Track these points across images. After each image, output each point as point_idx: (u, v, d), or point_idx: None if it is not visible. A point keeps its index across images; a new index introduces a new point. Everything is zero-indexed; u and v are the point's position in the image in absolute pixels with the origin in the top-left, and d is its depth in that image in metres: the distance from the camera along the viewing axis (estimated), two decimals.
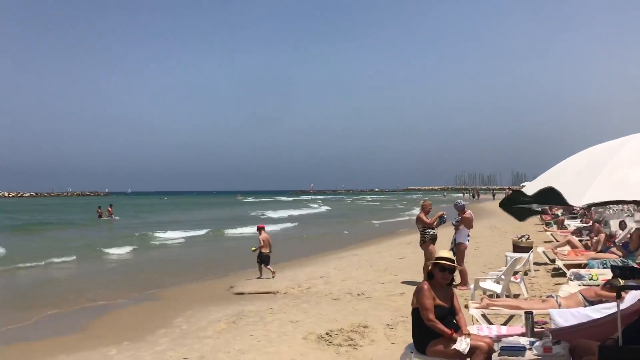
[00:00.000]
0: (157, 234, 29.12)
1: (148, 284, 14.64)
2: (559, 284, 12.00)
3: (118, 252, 21.98)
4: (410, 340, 8.11)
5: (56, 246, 23.15)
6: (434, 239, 12.63)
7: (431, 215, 12.64)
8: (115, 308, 11.89)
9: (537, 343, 5.23)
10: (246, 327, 9.20)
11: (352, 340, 8.05)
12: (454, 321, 5.65)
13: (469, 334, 5.45)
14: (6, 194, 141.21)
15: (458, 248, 12.25)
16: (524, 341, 5.38)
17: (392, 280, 13.28)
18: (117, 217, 47.81)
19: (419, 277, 13.11)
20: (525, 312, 5.71)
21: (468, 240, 12.53)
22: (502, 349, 5.22)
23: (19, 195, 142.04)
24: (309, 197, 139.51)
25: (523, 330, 6.39)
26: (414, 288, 12.43)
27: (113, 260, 20.33)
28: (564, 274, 12.58)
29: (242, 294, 12.68)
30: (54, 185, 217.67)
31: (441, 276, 5.70)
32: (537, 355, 5.10)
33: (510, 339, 5.41)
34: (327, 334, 8.30)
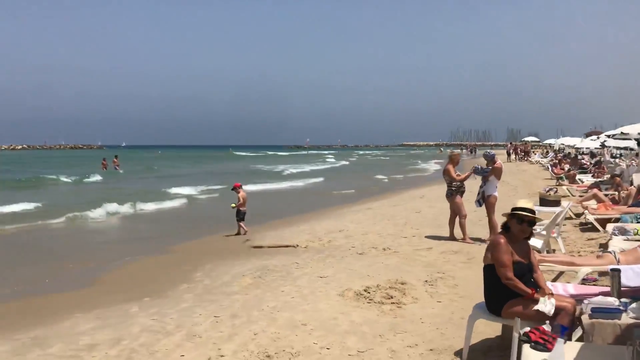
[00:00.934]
0: (174, 190, 26.46)
1: (164, 239, 13.93)
2: (592, 239, 11.50)
3: (141, 207, 20.38)
4: (455, 298, 7.69)
5: (77, 201, 21.78)
6: (461, 191, 12.01)
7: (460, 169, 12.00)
8: (127, 262, 11.27)
9: (634, 305, 4.63)
10: (274, 282, 8.60)
11: (392, 297, 7.47)
12: (532, 279, 5.03)
13: (551, 294, 4.84)
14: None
15: (488, 200, 11.62)
16: (613, 302, 4.77)
17: (415, 234, 12.70)
18: (121, 170, 45.47)
19: (441, 231, 12.60)
20: (611, 269, 5.07)
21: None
22: (594, 310, 4.60)
23: (12, 147, 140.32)
24: (305, 152, 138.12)
25: (596, 289, 5.81)
26: (440, 242, 12.19)
27: (136, 216, 19.08)
28: (594, 229, 12.07)
29: (260, 247, 12.07)
30: (46, 138, 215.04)
31: (519, 229, 5.04)
32: (636, 318, 4.51)
33: (598, 299, 4.79)
34: (365, 290, 7.71)
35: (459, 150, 12.66)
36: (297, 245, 11.83)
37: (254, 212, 15.25)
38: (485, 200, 11.65)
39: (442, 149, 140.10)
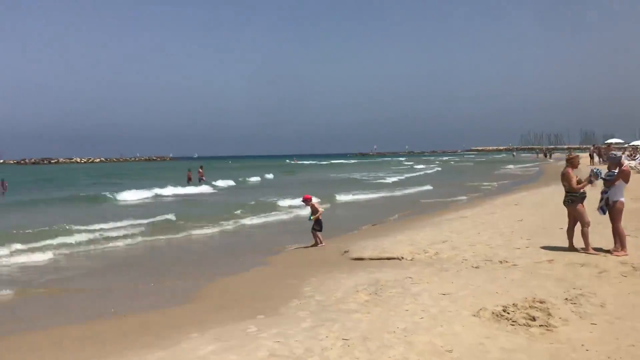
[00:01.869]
0: (275, 200, 25.32)
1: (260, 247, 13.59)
2: None
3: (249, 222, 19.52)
4: (611, 320, 6.74)
5: (201, 212, 21.49)
6: (583, 197, 10.94)
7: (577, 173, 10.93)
8: (226, 275, 10.92)
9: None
10: (392, 299, 7.92)
11: (536, 318, 6.63)
12: None
13: None
14: (78, 160, 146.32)
15: (614, 206, 10.49)
16: None
17: (528, 245, 11.68)
18: (205, 181, 42.82)
19: (555, 240, 11.57)
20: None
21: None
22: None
23: (90, 160, 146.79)
24: (371, 160, 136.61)
25: None
26: (559, 254, 11.07)
27: (240, 228, 18.41)
28: None
29: (360, 259, 11.44)
30: (122, 151, 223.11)
31: None
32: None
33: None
34: (504, 310, 6.90)
35: (576, 154, 11.44)
36: (402, 258, 11.11)
37: (338, 222, 14.70)
38: (611, 206, 10.54)
39: (514, 153, 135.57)
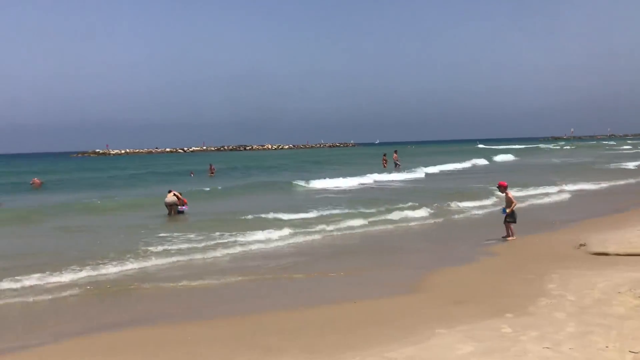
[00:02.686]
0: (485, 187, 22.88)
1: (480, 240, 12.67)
2: None
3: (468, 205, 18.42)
4: None
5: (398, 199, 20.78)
6: None
7: None
8: (443, 264, 10.27)
9: None
10: None
11: None
12: None
13: None
14: (269, 146, 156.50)
15: None
16: None
17: None
18: (400, 166, 40.66)
19: None
20: None
21: None
22: None
23: (280, 147, 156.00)
24: (564, 142, 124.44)
25: None
26: None
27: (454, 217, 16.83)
28: None
29: (604, 254, 10.01)
30: (308, 138, 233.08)
31: None
32: None
33: None
34: None
35: None
36: None
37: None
38: None
39: None
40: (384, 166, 41.65)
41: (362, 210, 17.60)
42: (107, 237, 14.36)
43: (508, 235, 12.46)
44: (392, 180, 32.26)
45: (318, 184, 29.35)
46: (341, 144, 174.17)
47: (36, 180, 36.09)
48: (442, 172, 38.70)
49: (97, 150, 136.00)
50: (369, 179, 32.15)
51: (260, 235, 13.57)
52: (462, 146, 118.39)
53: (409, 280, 9.22)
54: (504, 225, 12.58)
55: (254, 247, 12.58)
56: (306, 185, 29.05)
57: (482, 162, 50.33)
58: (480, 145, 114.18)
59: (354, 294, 8.47)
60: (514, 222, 12.49)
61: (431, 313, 7.13)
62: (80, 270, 10.28)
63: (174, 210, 18.96)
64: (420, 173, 36.37)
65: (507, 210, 12.49)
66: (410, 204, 18.12)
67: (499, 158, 56.39)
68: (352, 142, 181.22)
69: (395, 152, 43.89)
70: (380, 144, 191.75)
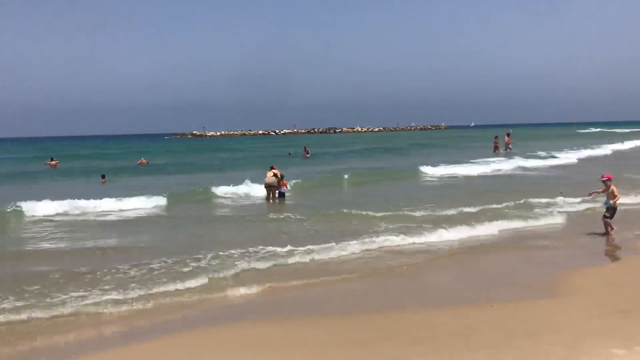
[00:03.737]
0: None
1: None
2: None
3: None
4: None
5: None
6: None
7: None
8: (575, 263, 9.17)
9: None
10: None
11: None
12: None
13: None
14: (359, 129, 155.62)
15: None
16: None
17: None
18: (512, 149, 39.11)
19: None
20: None
21: None
22: None
23: (370, 129, 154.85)
24: None
25: None
26: None
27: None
28: None
29: None
30: (399, 121, 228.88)
31: None
32: None
33: None
34: None
35: None
36: None
37: None
38: None
39: None
40: (495, 150, 38.76)
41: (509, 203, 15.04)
42: None
43: (607, 232, 11.20)
44: (536, 167, 28.73)
45: (442, 170, 26.57)
46: (433, 126, 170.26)
47: (144, 160, 37.98)
48: (589, 158, 34.87)
49: (195, 132, 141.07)
50: (500, 164, 29.14)
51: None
52: (561, 130, 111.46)
53: (542, 280, 8.30)
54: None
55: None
56: (432, 171, 26.23)
57: (619, 147, 44.96)
58: (593, 129, 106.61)
59: (486, 293, 7.70)
60: (611, 217, 11.28)
61: (593, 325, 6.18)
62: None
63: (273, 192, 18.07)
64: (571, 158, 33.18)
65: (611, 203, 11.20)
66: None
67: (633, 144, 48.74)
68: (443, 124, 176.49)
69: (508, 134, 41.24)
70: (476, 126, 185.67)
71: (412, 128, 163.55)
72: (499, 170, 27.29)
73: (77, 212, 15.93)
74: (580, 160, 32.83)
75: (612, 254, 10.27)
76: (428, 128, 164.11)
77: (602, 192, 11.59)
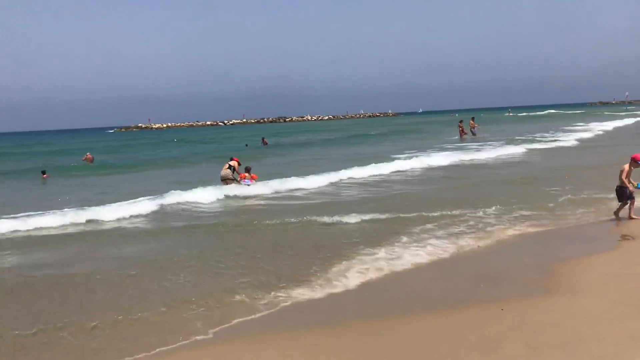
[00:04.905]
0: None
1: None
2: None
3: None
4: None
5: None
6: None
7: None
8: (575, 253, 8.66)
9: None
10: None
11: None
12: None
13: None
14: (309, 118, 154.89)
15: None
16: None
17: None
18: (480, 134, 38.76)
19: None
20: None
21: None
22: None
23: (319, 118, 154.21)
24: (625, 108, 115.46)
25: None
26: None
27: None
28: None
29: None
30: (348, 108, 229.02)
31: None
32: None
33: None
34: None
35: None
36: None
37: None
38: None
39: None
40: (461, 135, 38.45)
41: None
42: None
43: (631, 214, 10.72)
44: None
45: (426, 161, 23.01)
46: (381, 113, 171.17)
47: (89, 155, 35.63)
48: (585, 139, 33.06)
49: (140, 124, 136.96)
50: (487, 153, 26.00)
51: None
52: (496, 114, 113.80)
53: (536, 273, 7.67)
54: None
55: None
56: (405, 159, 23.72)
57: (600, 127, 43.96)
58: (552, 111, 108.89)
59: (483, 293, 7.03)
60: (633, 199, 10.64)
61: (629, 329, 5.53)
62: None
63: (228, 185, 17.23)
64: (568, 140, 31.42)
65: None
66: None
67: (616, 123, 48.15)
68: (390, 111, 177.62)
69: (472, 119, 41.27)
70: (424, 112, 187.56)
71: (361, 115, 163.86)
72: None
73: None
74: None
75: (602, 240, 9.77)
76: (376, 115, 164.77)
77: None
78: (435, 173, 20.14)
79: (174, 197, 15.31)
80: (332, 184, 18.20)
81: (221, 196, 16.04)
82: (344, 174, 19.45)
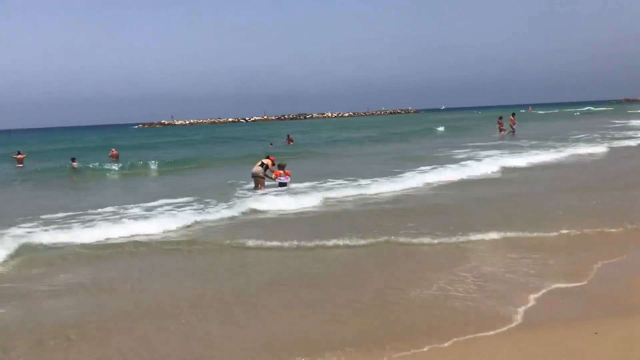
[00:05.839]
0: None
1: None
2: None
3: None
4: None
5: None
6: None
7: None
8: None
9: None
10: None
11: None
12: None
13: None
14: (330, 114, 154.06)
15: None
16: None
17: None
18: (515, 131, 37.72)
19: None
20: None
21: None
22: None
23: (340, 115, 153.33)
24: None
25: None
26: None
27: None
28: None
29: None
30: (368, 105, 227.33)
31: None
32: None
33: None
34: None
35: None
36: None
37: None
38: None
39: None
40: (500, 131, 37.81)
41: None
42: None
43: None
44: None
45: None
46: (402, 110, 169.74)
47: (114, 151, 35.61)
48: None
49: (163, 121, 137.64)
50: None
51: None
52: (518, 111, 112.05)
53: (613, 288, 7.05)
54: None
55: None
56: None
57: None
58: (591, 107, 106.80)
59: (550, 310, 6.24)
60: None
61: None
62: None
63: (260, 182, 16.51)
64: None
65: None
66: None
67: None
68: (410, 108, 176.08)
69: (513, 115, 39.37)
70: (447, 109, 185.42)
71: (382, 112, 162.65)
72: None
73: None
74: None
75: None
76: (397, 112, 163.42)
77: None
78: (541, 174, 18.39)
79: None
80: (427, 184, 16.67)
81: None
82: (429, 177, 17.53)
